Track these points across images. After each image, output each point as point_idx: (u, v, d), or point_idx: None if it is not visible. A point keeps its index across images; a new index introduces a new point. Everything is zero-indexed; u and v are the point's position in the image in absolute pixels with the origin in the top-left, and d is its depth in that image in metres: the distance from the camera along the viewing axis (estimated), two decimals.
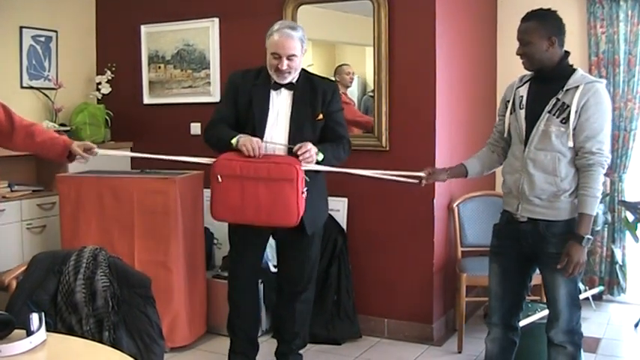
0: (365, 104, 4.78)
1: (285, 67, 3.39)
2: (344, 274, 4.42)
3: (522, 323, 3.31)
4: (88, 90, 5.36)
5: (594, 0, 4.92)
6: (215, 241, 4.82)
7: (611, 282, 5.11)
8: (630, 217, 4.88)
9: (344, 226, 4.50)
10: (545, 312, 3.46)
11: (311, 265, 3.69)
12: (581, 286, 4.81)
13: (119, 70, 5.29)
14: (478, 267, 4.20)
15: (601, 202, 4.82)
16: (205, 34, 4.97)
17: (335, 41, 5.01)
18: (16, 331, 2.04)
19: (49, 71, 5.08)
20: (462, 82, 4.71)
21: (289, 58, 3.38)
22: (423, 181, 3.40)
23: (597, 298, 5.03)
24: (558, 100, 2.91)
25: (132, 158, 5.12)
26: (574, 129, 2.87)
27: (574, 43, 4.94)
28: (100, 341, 2.42)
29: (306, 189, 3.34)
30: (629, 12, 4.85)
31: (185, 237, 4.20)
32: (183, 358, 4.18)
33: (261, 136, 3.43)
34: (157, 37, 5.18)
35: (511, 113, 3.09)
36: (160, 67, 5.19)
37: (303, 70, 3.60)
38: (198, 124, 4.91)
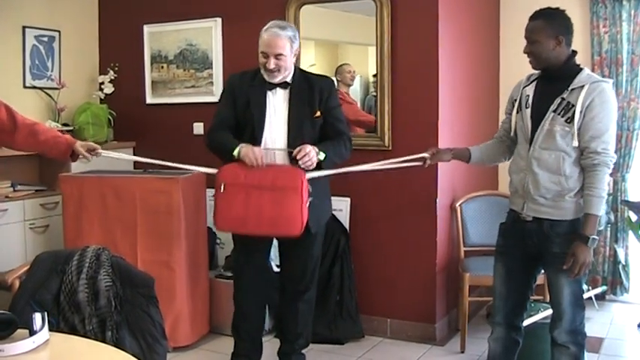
0: (367, 104, 4.78)
1: (272, 65, 3.39)
2: (347, 273, 4.42)
3: (525, 323, 3.31)
4: (90, 90, 5.37)
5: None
6: (218, 241, 4.82)
7: (614, 282, 5.10)
8: (633, 217, 4.87)
9: (347, 225, 4.50)
10: (548, 312, 3.47)
11: (313, 264, 3.69)
12: (584, 286, 4.81)
13: (122, 69, 5.29)
14: (481, 267, 4.20)
15: None
16: (208, 34, 4.97)
17: (337, 41, 5.01)
18: (18, 330, 2.05)
19: (51, 71, 5.09)
20: (465, 82, 4.70)
21: (277, 57, 3.39)
22: (428, 161, 3.40)
23: (600, 297, 5.02)
24: (563, 99, 2.90)
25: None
26: (579, 129, 2.86)
27: (577, 42, 4.84)
28: (103, 341, 2.42)
29: (310, 199, 3.35)
30: (632, 11, 4.84)
31: (188, 237, 4.20)
32: (185, 357, 4.18)
33: (260, 136, 3.45)
34: (160, 37, 5.18)
35: (517, 112, 3.09)
36: (162, 67, 5.19)
37: (299, 68, 3.61)
38: (201, 124, 4.91)
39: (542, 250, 3.00)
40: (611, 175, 4.85)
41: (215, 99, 4.78)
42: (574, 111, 2.86)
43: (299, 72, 3.59)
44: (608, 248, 5.08)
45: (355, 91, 4.82)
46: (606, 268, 5.09)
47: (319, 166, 3.41)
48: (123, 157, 3.85)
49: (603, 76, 4.75)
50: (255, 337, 3.76)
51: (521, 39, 3.04)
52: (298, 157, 3.32)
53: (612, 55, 4.91)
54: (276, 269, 4.18)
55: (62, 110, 5.03)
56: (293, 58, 3.49)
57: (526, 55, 3.01)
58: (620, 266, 5.05)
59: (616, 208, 5.01)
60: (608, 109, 2.87)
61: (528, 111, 3.01)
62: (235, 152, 3.37)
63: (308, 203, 3.34)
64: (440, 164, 4.23)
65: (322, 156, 3.39)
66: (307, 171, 3.36)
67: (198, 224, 4.37)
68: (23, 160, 4.58)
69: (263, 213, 3.33)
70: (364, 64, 4.75)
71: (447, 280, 4.48)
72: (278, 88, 3.50)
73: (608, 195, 4.92)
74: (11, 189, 4.53)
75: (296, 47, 3.48)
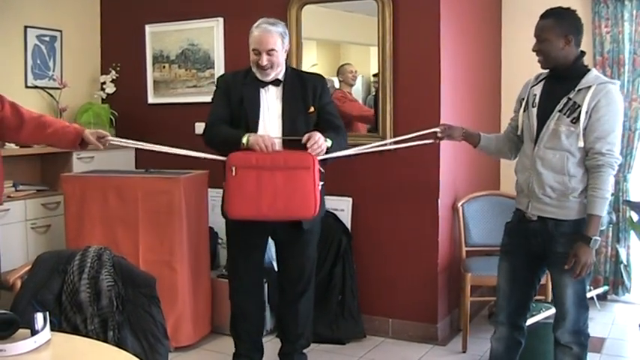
0: (369, 104, 4.78)
1: (265, 62, 3.40)
2: (348, 274, 4.41)
3: (527, 323, 3.31)
4: (92, 90, 5.38)
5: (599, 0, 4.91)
6: (220, 241, 4.82)
7: (616, 282, 5.10)
8: (635, 217, 4.86)
9: (348, 225, 4.50)
10: (550, 312, 3.47)
11: (310, 264, 3.69)
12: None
13: (124, 69, 5.30)
14: (483, 267, 4.20)
15: None
16: (210, 34, 4.97)
17: (339, 41, 5.01)
18: (20, 330, 2.05)
19: (53, 71, 5.10)
20: (467, 82, 4.70)
21: (269, 53, 3.40)
22: (439, 134, 3.40)
23: (602, 297, 5.02)
24: (570, 99, 2.90)
25: (136, 158, 5.13)
26: (584, 129, 2.86)
27: None
28: (105, 341, 2.42)
29: (322, 183, 3.34)
30: (634, 12, 4.83)
31: (190, 236, 4.20)
32: (187, 357, 4.18)
33: (255, 133, 3.44)
34: (162, 37, 5.18)
35: (524, 111, 3.09)
36: (164, 67, 5.20)
37: (290, 66, 3.64)
38: (203, 124, 4.87)
39: (546, 250, 3.00)
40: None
41: None
42: (580, 111, 2.86)
43: (290, 69, 3.61)
44: (609, 248, 5.08)
45: (357, 91, 4.82)
46: (608, 268, 5.09)
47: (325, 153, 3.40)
48: (132, 144, 3.72)
49: (605, 77, 4.74)
50: (255, 337, 3.75)
51: (523, 39, 3.04)
52: (308, 145, 3.30)
53: (614, 56, 4.91)
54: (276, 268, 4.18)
55: (64, 110, 5.03)
56: (284, 54, 3.49)
57: (529, 55, 3.03)
58: (622, 266, 5.05)
59: (618, 208, 5.00)
60: (614, 110, 2.87)
61: (535, 110, 3.01)
62: (244, 140, 3.35)
63: (320, 186, 3.34)
64: (442, 163, 4.25)
65: (329, 143, 3.38)
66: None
67: (200, 224, 4.37)
68: (25, 160, 4.58)
69: (277, 193, 3.29)
70: (366, 64, 4.75)
71: (449, 280, 4.47)
72: (270, 86, 3.50)
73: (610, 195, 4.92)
74: (13, 189, 4.53)
75: (286, 44, 3.49)
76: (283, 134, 3.45)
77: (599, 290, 4.87)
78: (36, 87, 4.97)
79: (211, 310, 4.45)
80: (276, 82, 3.50)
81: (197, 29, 5.03)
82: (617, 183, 4.99)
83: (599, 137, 2.85)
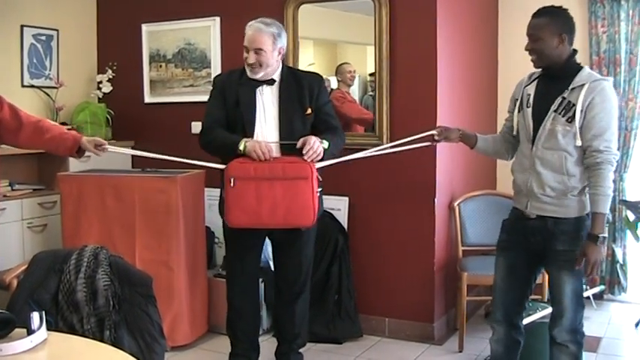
0: (365, 103, 4.78)
1: (251, 60, 3.40)
2: (345, 273, 4.42)
3: (524, 322, 3.31)
4: (89, 89, 5.37)
5: None
6: (216, 240, 4.82)
7: (612, 281, 5.11)
8: (631, 217, 4.87)
9: (345, 225, 4.50)
10: (547, 311, 3.47)
11: (307, 264, 3.69)
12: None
13: (120, 68, 5.29)
14: (479, 266, 4.21)
15: None
16: (206, 33, 4.97)
17: (336, 40, 5.01)
18: (16, 330, 2.04)
19: (50, 70, 5.09)
20: (464, 81, 4.70)
21: (256, 52, 3.39)
22: (436, 137, 3.40)
23: (598, 297, 5.03)
24: (564, 98, 2.91)
25: (133, 157, 5.12)
26: (580, 127, 2.87)
27: (575, 42, 4.89)
28: (101, 340, 2.41)
29: (320, 189, 3.34)
30: (631, 11, 4.84)
31: (186, 236, 4.20)
32: (184, 357, 4.18)
33: (252, 135, 3.43)
34: (158, 36, 5.18)
35: (519, 111, 3.10)
36: (161, 66, 5.19)
37: (287, 66, 3.63)
38: (199, 123, 4.83)
39: (545, 248, 3.00)
40: None
41: None
42: (575, 110, 2.87)
43: (287, 69, 3.59)
44: (606, 248, 5.07)
45: (353, 91, 4.82)
46: (604, 268, 5.09)
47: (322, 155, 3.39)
48: (130, 153, 3.73)
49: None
50: (252, 337, 3.75)
51: (520, 38, 3.04)
52: (304, 152, 3.30)
53: (610, 55, 4.92)
54: (274, 268, 4.18)
55: (60, 109, 5.02)
56: (277, 55, 3.45)
57: (525, 54, 3.02)
58: (618, 266, 5.06)
59: (614, 207, 5.01)
60: (608, 107, 2.87)
61: (529, 110, 3.02)
62: (241, 147, 3.34)
63: (318, 193, 3.34)
64: (438, 162, 4.25)
65: (326, 144, 3.37)
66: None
67: (197, 223, 4.36)
68: (21, 159, 4.57)
69: (276, 204, 3.30)
70: (363, 64, 4.75)
71: (446, 280, 4.48)
72: (265, 86, 3.48)
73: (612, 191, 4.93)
74: (9, 188, 4.52)
75: (280, 45, 3.45)
76: (280, 136, 3.44)
77: (596, 289, 4.87)
78: (32, 86, 4.96)
79: (208, 309, 4.45)
80: (270, 82, 3.49)
81: (194, 28, 5.02)
82: (613, 182, 4.99)
83: (596, 135, 2.85)
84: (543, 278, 3.81)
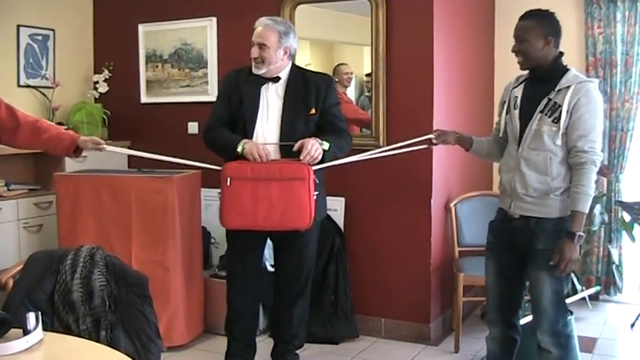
0: (361, 104, 4.78)
1: (255, 54, 3.41)
2: (341, 274, 4.42)
3: (521, 322, 3.31)
4: (85, 89, 5.36)
5: (592, 1, 4.93)
6: (212, 241, 4.81)
7: (608, 282, 5.12)
8: (627, 218, 4.89)
9: (341, 225, 4.50)
10: None
11: (308, 266, 3.69)
12: (577, 285, 4.83)
13: (116, 69, 5.28)
14: (475, 267, 4.20)
15: (598, 203, 4.85)
16: (203, 34, 4.96)
17: (333, 41, 5.01)
18: (12, 330, 2.04)
19: (46, 70, 5.08)
20: (460, 82, 4.71)
21: (260, 46, 3.41)
22: (434, 140, 3.41)
23: (594, 298, 5.03)
24: (550, 100, 2.94)
25: (129, 157, 5.11)
26: (565, 128, 2.90)
27: (571, 43, 4.95)
28: (97, 340, 2.41)
29: (316, 192, 3.33)
30: (627, 13, 4.85)
31: (183, 236, 4.20)
32: (180, 357, 4.17)
33: (252, 132, 3.43)
34: (155, 36, 5.17)
35: (507, 113, 3.12)
36: (157, 66, 5.19)
37: (296, 65, 3.62)
38: (196, 124, 4.91)
39: (527, 248, 3.02)
40: (605, 175, 4.92)
41: (210, 98, 4.78)
42: (561, 111, 2.90)
43: (296, 69, 3.58)
44: (602, 248, 5.10)
45: (349, 91, 4.82)
46: (600, 269, 5.11)
47: (322, 156, 3.37)
48: (127, 153, 3.73)
49: (597, 77, 4.77)
50: (249, 337, 3.74)
51: None
52: (301, 156, 3.29)
53: (606, 56, 4.93)
54: (270, 269, 4.18)
55: (56, 109, 5.02)
56: (282, 53, 3.45)
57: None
58: (614, 266, 5.07)
59: (610, 208, 5.03)
60: (594, 108, 2.91)
61: (517, 112, 3.06)
62: (239, 149, 3.34)
63: (315, 196, 3.33)
64: (435, 163, 4.26)
65: (326, 145, 3.35)
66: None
67: (193, 224, 4.36)
68: (18, 159, 4.57)
69: (272, 205, 3.29)
70: (359, 64, 4.75)
71: (442, 280, 4.48)
72: (270, 84, 3.48)
73: (602, 196, 4.94)
74: (5, 188, 4.51)
75: (286, 44, 3.45)
76: (281, 136, 3.43)
77: (592, 290, 4.88)
78: (28, 86, 4.95)
79: (204, 309, 4.44)
80: (275, 79, 3.49)
81: (190, 29, 5.02)
82: (609, 184, 5.02)
83: (581, 135, 2.88)
84: None
